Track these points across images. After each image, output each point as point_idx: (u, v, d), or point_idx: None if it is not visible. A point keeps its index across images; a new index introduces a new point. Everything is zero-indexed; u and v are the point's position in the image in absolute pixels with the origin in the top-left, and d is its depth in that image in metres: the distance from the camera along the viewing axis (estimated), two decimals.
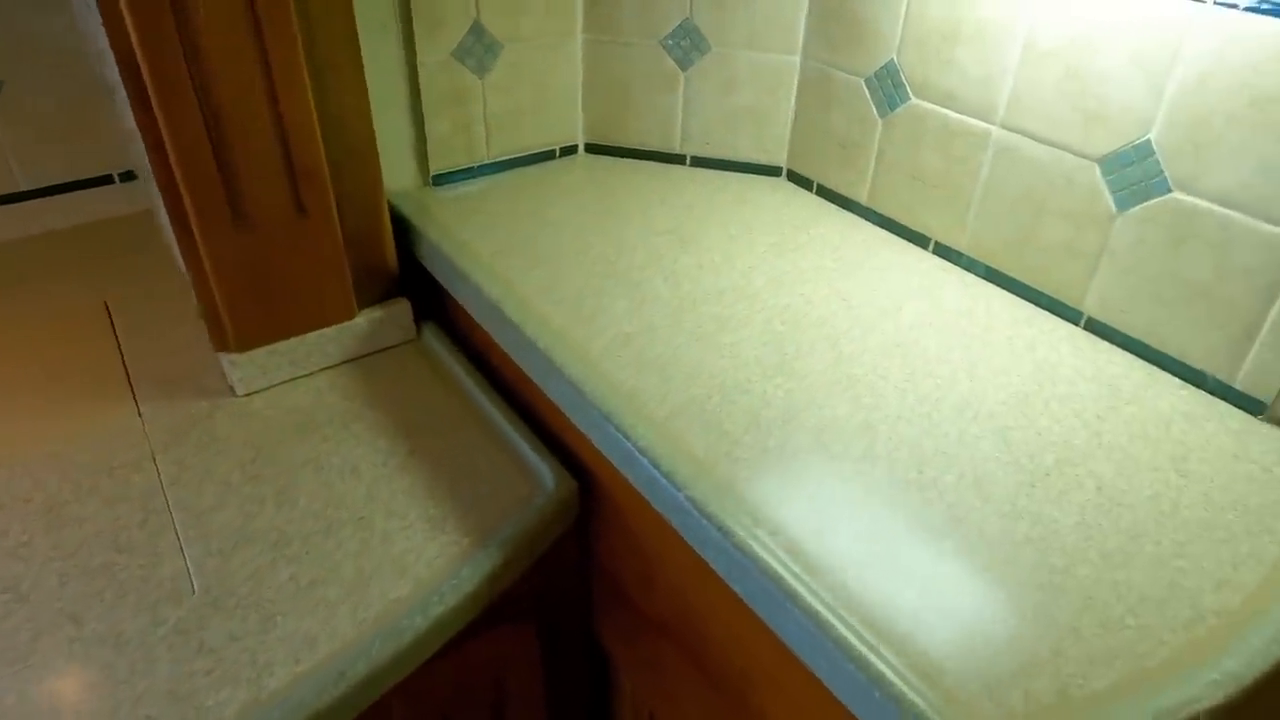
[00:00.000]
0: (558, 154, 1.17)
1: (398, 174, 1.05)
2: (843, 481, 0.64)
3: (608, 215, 1.03)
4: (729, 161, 1.14)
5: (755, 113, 1.09)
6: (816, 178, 1.09)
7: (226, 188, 0.78)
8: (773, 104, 1.08)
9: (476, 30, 1.00)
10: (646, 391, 0.73)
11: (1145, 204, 0.75)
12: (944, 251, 0.95)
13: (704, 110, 1.11)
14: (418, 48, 0.97)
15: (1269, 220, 0.68)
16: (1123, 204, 0.77)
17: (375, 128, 0.95)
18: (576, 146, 1.18)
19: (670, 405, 0.72)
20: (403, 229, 1.00)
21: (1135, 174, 0.75)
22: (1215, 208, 0.70)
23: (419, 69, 0.98)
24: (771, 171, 1.14)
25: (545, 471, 0.80)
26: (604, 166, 1.16)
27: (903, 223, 0.99)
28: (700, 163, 1.15)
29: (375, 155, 0.88)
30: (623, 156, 1.17)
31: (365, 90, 0.84)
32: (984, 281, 0.92)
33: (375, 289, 0.95)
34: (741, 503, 0.62)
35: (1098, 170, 0.78)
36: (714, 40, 1.05)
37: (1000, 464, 0.67)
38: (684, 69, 1.08)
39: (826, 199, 1.08)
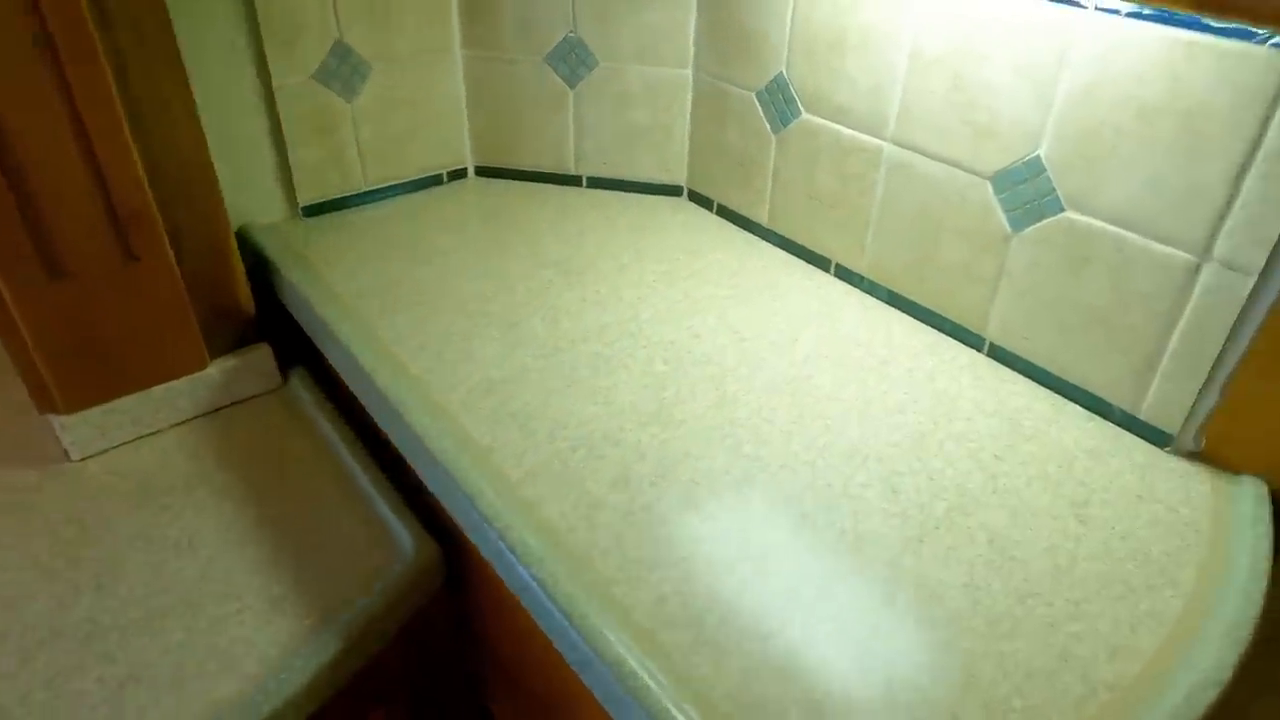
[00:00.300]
0: (445, 179, 1.09)
1: (263, 207, 0.97)
2: (710, 548, 0.58)
3: (492, 246, 0.96)
4: (628, 182, 1.08)
5: (652, 130, 1.03)
6: (717, 198, 1.03)
7: (35, 239, 0.70)
8: (669, 120, 1.02)
9: (340, 50, 0.93)
10: (505, 448, 0.66)
11: (1039, 224, 0.70)
12: (845, 274, 0.90)
13: (598, 129, 1.04)
14: (271, 70, 0.89)
15: (1161, 240, 0.63)
16: (1017, 224, 0.72)
17: (230, 159, 0.87)
18: (466, 170, 1.11)
19: (529, 463, 0.65)
20: (263, 267, 0.92)
21: (1027, 192, 0.70)
22: (1109, 227, 0.65)
23: (275, 93, 0.91)
24: (673, 191, 1.07)
25: (405, 536, 0.73)
26: (495, 191, 1.09)
27: (803, 244, 0.93)
28: (598, 183, 1.09)
29: (216, 191, 0.80)
30: (516, 179, 1.10)
31: (197, 122, 0.76)
32: (886, 306, 0.86)
33: (229, 335, 0.87)
34: (593, 584, 0.55)
35: (990, 188, 0.73)
36: (601, 55, 0.99)
37: (886, 517, 0.61)
38: (572, 86, 1.01)
39: (728, 220, 1.02)
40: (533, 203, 1.06)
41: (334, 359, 0.82)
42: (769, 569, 0.56)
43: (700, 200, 1.05)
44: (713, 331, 0.81)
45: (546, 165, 1.08)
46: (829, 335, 0.81)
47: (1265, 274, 0.58)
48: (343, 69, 0.94)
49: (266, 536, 0.73)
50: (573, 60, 1.00)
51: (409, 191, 1.07)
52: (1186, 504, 0.62)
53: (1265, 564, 0.57)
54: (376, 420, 0.76)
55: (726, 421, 0.70)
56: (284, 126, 0.93)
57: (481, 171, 1.11)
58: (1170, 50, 0.58)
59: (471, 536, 0.63)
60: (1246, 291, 0.59)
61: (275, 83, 0.90)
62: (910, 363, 0.78)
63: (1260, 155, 0.56)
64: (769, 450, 0.67)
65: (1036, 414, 0.72)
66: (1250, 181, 0.57)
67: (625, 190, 1.08)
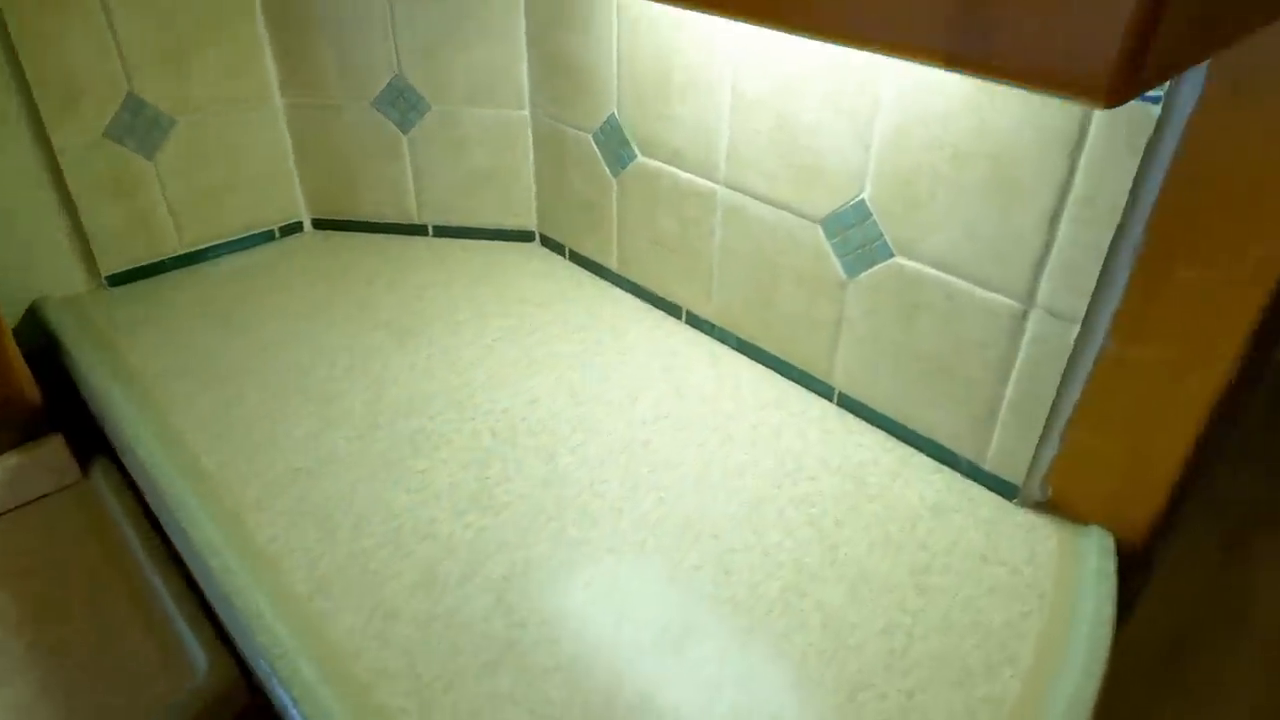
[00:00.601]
0: (278, 234, 1.01)
1: (59, 280, 0.87)
2: (515, 656, 0.52)
3: (318, 308, 0.88)
4: (477, 229, 1.01)
5: (495, 174, 0.97)
6: (568, 243, 0.97)
7: None
8: (513, 163, 0.96)
9: (133, 104, 0.84)
10: (297, 553, 0.59)
11: (872, 270, 0.66)
12: (696, 321, 0.85)
13: (438, 175, 0.98)
14: (52, 133, 0.80)
15: (987, 287, 0.59)
16: (851, 270, 0.68)
17: (12, 233, 0.78)
18: (301, 224, 1.03)
19: (323, 569, 0.58)
20: (55, 346, 0.83)
21: (857, 237, 0.66)
22: (938, 274, 0.62)
23: (59, 156, 0.82)
24: (524, 237, 1.02)
25: (200, 655, 0.64)
26: (332, 246, 1.01)
27: (653, 291, 0.88)
28: (445, 232, 1.02)
29: None
30: (357, 231, 1.03)
31: None
32: (736, 354, 0.82)
33: (10, 428, 0.77)
34: (376, 716, 0.48)
35: (821, 232, 0.69)
36: (432, 98, 0.92)
37: (716, 604, 0.56)
38: (405, 131, 0.95)
39: (580, 266, 0.97)
40: (372, 256, 0.98)
41: (120, 450, 0.73)
42: (579, 681, 0.50)
43: (552, 246, 1.00)
44: (551, 394, 0.76)
45: (389, 215, 1.02)
46: (673, 391, 0.76)
47: (1088, 322, 0.55)
48: (138, 124, 0.85)
49: (37, 666, 0.64)
50: (402, 105, 0.93)
51: (236, 250, 0.98)
52: (1031, 563, 0.59)
53: (1107, 628, 0.54)
54: (163, 523, 0.68)
55: (553, 501, 0.64)
56: (73, 191, 0.83)
57: (320, 224, 1.04)
58: (976, 91, 0.55)
59: (250, 661, 0.56)
60: (1072, 339, 0.56)
61: (58, 145, 0.81)
62: (756, 417, 0.73)
63: (1071, 200, 0.53)
64: (597, 532, 0.61)
65: (883, 468, 0.68)
66: (1064, 227, 0.54)
67: (474, 238, 1.02)
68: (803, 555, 0.60)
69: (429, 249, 1.00)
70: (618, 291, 0.92)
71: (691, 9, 0.37)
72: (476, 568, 0.58)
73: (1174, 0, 0.27)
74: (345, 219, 1.03)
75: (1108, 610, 0.55)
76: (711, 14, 0.36)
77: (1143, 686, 0.74)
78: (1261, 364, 0.54)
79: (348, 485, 0.65)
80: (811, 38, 0.33)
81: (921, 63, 0.30)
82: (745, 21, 0.35)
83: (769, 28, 0.34)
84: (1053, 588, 0.57)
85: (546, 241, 1.01)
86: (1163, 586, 0.67)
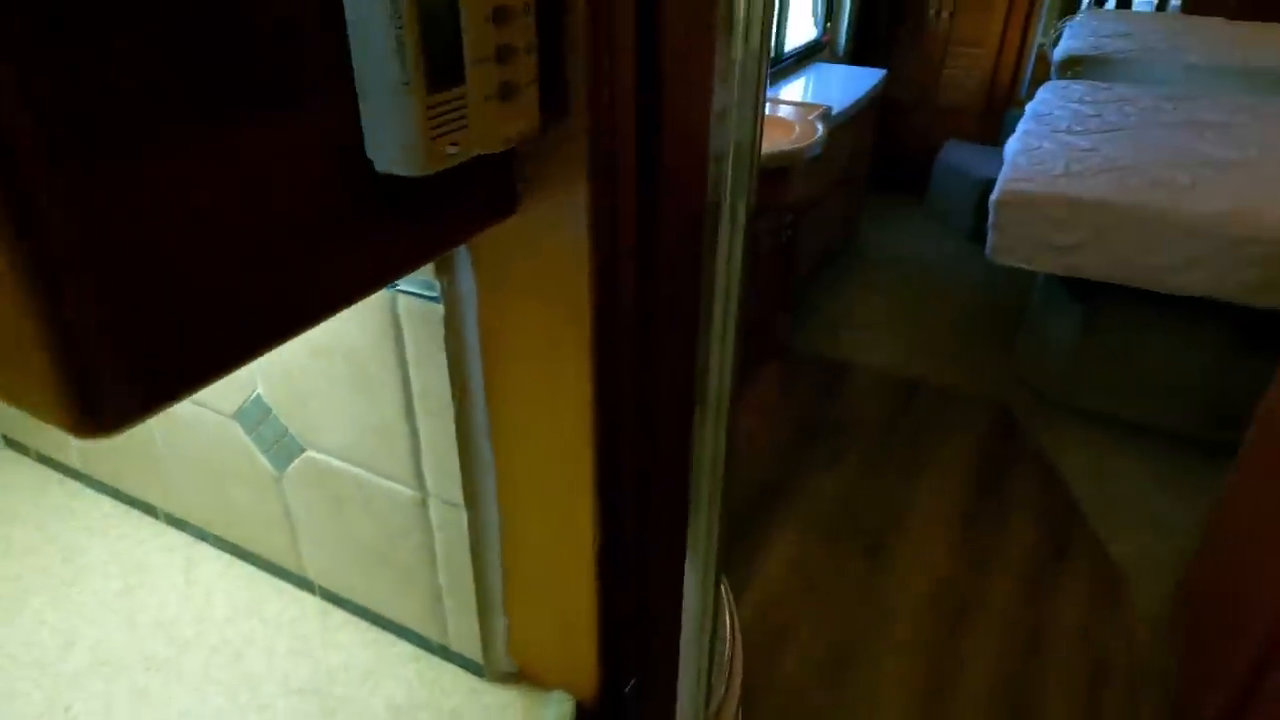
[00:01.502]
0: None
1: None
2: None
3: None
4: None
5: None
6: (32, 443, 0.82)
7: None
8: None
9: None
10: None
11: (292, 464, 0.60)
12: (175, 521, 0.75)
13: None
14: None
15: (387, 477, 0.56)
16: (277, 464, 0.62)
17: None
18: None
19: None
20: None
21: (269, 432, 0.60)
22: (345, 466, 0.57)
23: None
24: None
25: None
26: None
27: (123, 489, 0.77)
28: None
29: None
30: None
31: None
32: (218, 553, 0.72)
33: None
34: None
35: (239, 428, 0.62)
36: None
37: None
38: None
39: (47, 466, 0.82)
40: None
41: None
42: None
43: (16, 445, 0.84)
44: None
45: None
46: (124, 624, 0.65)
47: (474, 504, 0.53)
48: None
49: None
50: None
51: None
52: None
53: None
54: None
55: None
56: None
57: None
58: None
59: None
60: (466, 523, 0.54)
61: None
62: (221, 637, 0.64)
63: (415, 392, 0.50)
64: None
65: (356, 670, 0.62)
66: (420, 419, 0.51)
67: None
68: None
69: None
70: (90, 493, 0.79)
71: None
72: None
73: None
74: None
75: None
76: None
77: None
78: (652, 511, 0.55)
79: None
80: None
81: None
82: None
83: None
84: None
85: (10, 442, 0.85)
86: None
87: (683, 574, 0.66)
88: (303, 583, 0.68)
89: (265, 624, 0.66)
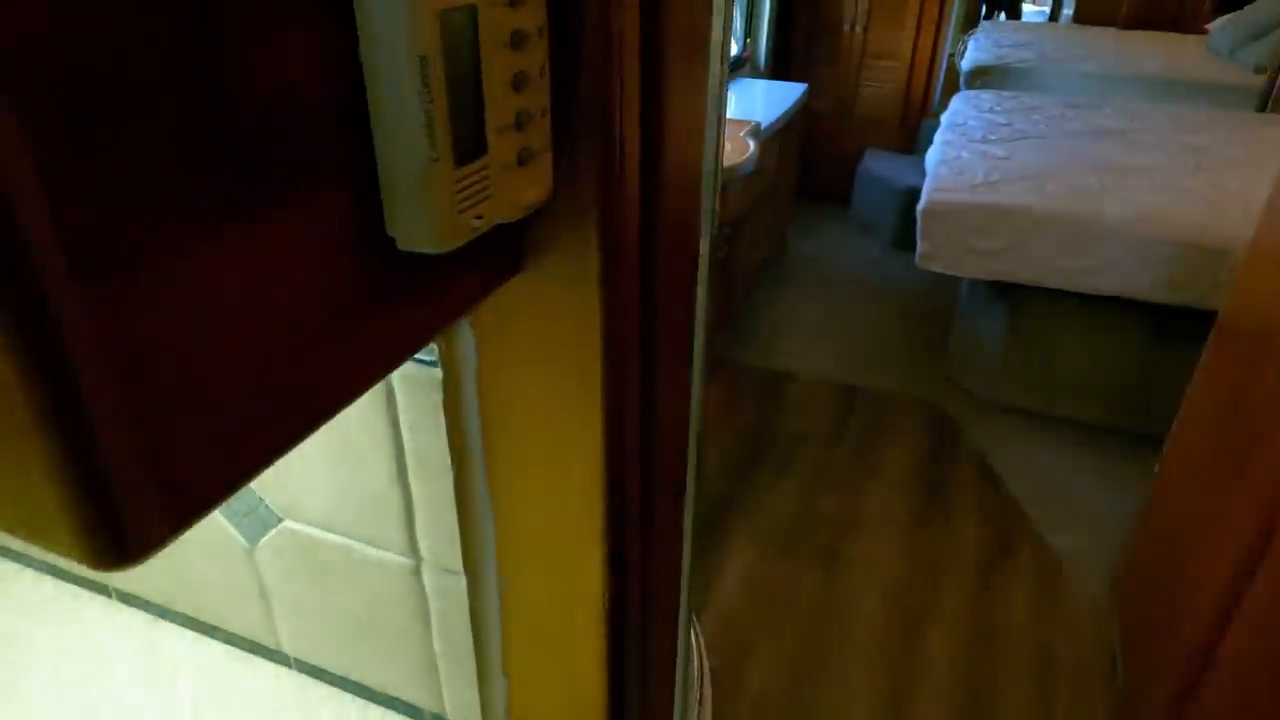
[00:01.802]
0: None
1: None
2: None
3: None
4: None
5: None
6: None
7: None
8: None
9: None
10: None
11: (268, 535, 0.57)
12: (129, 599, 0.70)
13: None
14: None
15: (377, 546, 0.53)
16: (250, 536, 0.58)
17: None
18: None
19: None
20: None
21: (239, 504, 0.56)
22: (329, 535, 0.54)
23: None
24: None
25: None
26: None
27: (67, 568, 0.71)
28: None
29: None
30: None
31: None
32: (181, 631, 0.67)
33: None
34: None
35: None
36: None
37: None
38: None
39: None
40: None
41: None
42: None
43: None
44: None
45: None
46: (84, 717, 0.60)
47: (473, 569, 0.51)
48: None
49: None
50: None
51: None
52: None
53: None
54: None
55: None
56: None
57: None
58: None
59: None
60: (464, 589, 0.51)
61: None
62: (195, 714, 0.60)
63: (409, 458, 0.48)
64: None
65: None
66: (414, 484, 0.49)
67: None
68: None
69: None
70: (29, 574, 0.73)
71: None
72: None
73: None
74: None
75: None
76: None
77: None
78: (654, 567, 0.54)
79: None
80: None
81: None
82: None
83: None
84: None
85: None
86: None
87: (679, 617, 0.65)
88: (277, 658, 0.64)
89: (237, 703, 0.62)
